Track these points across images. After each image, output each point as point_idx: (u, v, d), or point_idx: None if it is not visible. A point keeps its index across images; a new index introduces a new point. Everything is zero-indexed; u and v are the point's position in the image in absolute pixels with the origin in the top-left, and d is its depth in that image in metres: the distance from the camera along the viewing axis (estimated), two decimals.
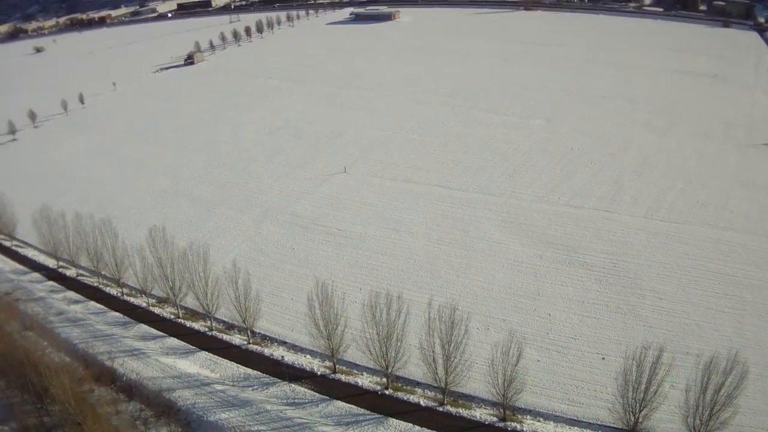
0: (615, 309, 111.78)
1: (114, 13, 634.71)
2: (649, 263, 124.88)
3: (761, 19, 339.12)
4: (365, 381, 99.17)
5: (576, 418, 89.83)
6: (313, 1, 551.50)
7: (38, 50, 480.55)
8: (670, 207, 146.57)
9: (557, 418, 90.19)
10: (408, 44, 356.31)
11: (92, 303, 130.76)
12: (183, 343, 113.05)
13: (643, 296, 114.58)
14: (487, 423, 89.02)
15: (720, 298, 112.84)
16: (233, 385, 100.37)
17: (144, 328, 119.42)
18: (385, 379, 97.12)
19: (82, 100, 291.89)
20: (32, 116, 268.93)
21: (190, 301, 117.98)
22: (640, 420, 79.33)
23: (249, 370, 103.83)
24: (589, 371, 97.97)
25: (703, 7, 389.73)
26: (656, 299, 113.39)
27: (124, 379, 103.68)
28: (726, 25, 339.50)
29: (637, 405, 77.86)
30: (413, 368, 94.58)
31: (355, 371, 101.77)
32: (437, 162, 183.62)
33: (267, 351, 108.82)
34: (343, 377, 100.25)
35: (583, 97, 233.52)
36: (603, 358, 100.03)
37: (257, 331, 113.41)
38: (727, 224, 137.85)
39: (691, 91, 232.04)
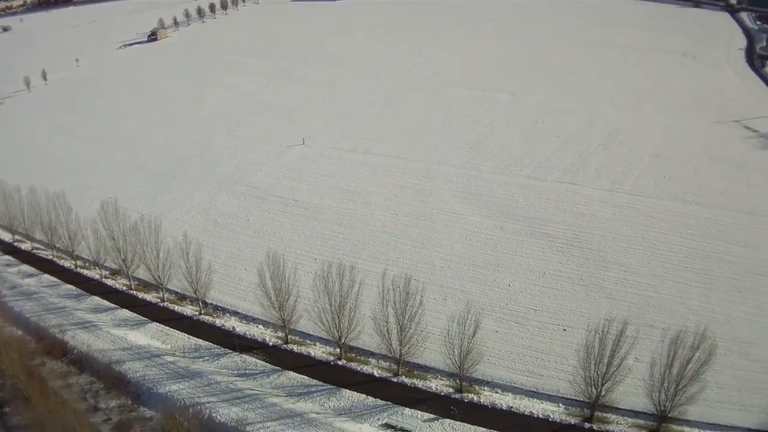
0: (577, 281, 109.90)
1: None
2: (614, 236, 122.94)
3: (733, 0, 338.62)
4: (318, 352, 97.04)
5: (536, 390, 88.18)
6: None
7: (5, 29, 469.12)
8: (636, 181, 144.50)
9: (516, 390, 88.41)
10: (374, 22, 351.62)
11: (46, 276, 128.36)
12: (135, 315, 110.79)
13: (607, 268, 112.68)
14: (443, 394, 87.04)
15: (687, 271, 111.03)
16: (184, 357, 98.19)
17: (96, 300, 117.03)
18: (338, 350, 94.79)
19: (44, 77, 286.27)
20: None
21: (143, 273, 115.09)
22: (603, 393, 77.63)
23: (200, 341, 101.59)
24: (549, 343, 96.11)
25: None
26: (621, 272, 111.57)
27: (75, 351, 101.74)
28: (697, 5, 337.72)
29: (600, 378, 76.12)
30: (367, 339, 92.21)
31: (308, 342, 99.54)
32: (397, 134, 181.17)
33: (218, 321, 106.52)
34: (295, 348, 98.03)
35: (551, 72, 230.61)
36: (564, 330, 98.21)
37: (209, 301, 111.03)
38: (695, 198, 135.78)
39: (660, 69, 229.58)
